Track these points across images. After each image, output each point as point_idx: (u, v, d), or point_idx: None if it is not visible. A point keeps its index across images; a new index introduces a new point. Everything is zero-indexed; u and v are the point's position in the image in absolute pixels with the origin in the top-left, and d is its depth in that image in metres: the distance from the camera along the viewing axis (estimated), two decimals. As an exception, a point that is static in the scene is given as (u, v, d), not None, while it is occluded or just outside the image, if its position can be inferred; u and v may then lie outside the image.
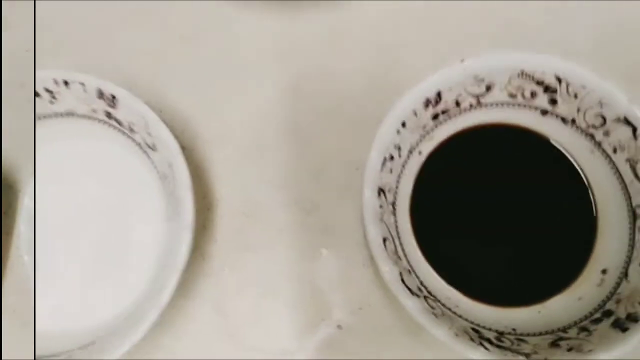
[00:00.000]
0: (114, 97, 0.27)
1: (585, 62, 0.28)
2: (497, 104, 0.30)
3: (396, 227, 0.28)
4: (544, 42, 0.33)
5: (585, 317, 0.27)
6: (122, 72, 0.31)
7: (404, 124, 0.28)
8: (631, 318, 0.25)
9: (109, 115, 0.28)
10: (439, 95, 0.28)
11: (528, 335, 0.26)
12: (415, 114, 0.28)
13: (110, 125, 0.29)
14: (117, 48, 0.34)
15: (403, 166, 0.29)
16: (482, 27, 0.34)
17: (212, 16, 0.34)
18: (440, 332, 0.24)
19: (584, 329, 0.26)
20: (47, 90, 0.28)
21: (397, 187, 0.29)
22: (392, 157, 0.28)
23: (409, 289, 0.25)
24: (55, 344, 0.26)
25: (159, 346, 0.28)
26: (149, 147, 0.28)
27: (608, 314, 0.26)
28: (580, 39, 0.33)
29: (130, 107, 0.27)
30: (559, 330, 0.26)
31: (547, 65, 0.28)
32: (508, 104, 0.30)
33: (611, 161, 0.28)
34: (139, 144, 0.28)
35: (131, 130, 0.28)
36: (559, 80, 0.28)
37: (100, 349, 0.25)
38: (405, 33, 0.33)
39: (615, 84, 0.27)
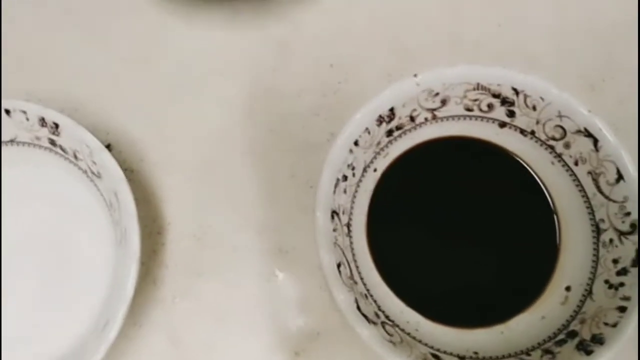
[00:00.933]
0: (56, 125, 0.27)
1: (544, 70, 0.27)
2: (453, 118, 0.29)
3: (352, 249, 0.27)
4: (499, 52, 0.32)
5: (549, 338, 0.26)
6: (69, 96, 0.31)
7: (356, 143, 0.27)
8: (596, 340, 0.24)
9: (52, 142, 0.28)
10: (392, 111, 0.27)
11: (490, 358, 0.26)
12: (368, 131, 0.27)
13: (55, 152, 0.28)
14: (63, 72, 0.33)
15: (358, 185, 0.28)
16: (433, 41, 0.33)
17: (159, 37, 0.33)
18: (398, 362, 0.23)
19: (547, 352, 0.25)
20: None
21: (352, 208, 0.28)
22: (345, 177, 0.27)
23: (365, 317, 0.24)
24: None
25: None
26: (94, 174, 0.27)
27: (572, 334, 0.25)
28: (537, 46, 0.33)
29: (73, 135, 0.26)
30: (522, 353, 0.26)
31: (503, 78, 0.27)
32: (465, 117, 0.29)
33: (573, 173, 0.28)
34: (84, 172, 0.28)
35: (76, 157, 0.27)
36: (516, 92, 0.27)
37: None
38: (354, 49, 0.33)
39: (574, 93, 0.27)
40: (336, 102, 0.31)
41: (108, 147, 0.30)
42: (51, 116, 0.26)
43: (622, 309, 0.24)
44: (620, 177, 0.25)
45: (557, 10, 0.34)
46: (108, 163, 0.26)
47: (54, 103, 0.28)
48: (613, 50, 0.32)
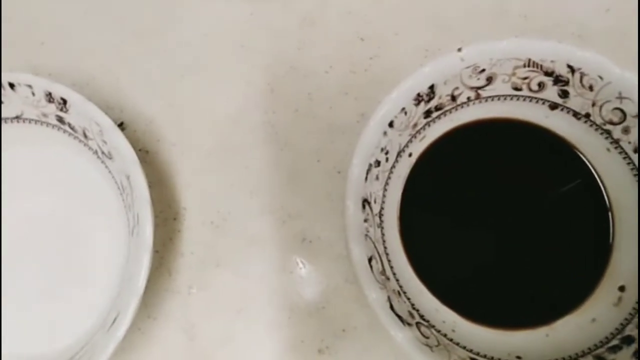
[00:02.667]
0: (64, 100, 0.24)
1: (602, 49, 0.24)
2: (499, 97, 0.26)
3: (383, 241, 0.25)
4: (549, 26, 0.29)
5: (602, 344, 0.23)
6: (79, 71, 0.28)
7: (391, 124, 0.24)
8: (656, 347, 0.22)
9: (60, 120, 0.25)
10: (432, 89, 0.25)
11: (534, 364, 0.23)
12: (405, 112, 0.25)
13: (63, 130, 0.26)
14: (74, 47, 0.30)
15: (391, 171, 0.26)
16: (474, 12, 0.30)
17: (175, 8, 0.31)
18: (435, 366, 0.21)
19: (600, 359, 0.23)
20: (-12, 94, 0.25)
21: (384, 196, 0.25)
22: (378, 163, 0.24)
23: (400, 317, 0.22)
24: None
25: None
26: (105, 155, 0.25)
27: (628, 340, 0.23)
28: (591, 20, 0.29)
29: (82, 112, 0.24)
30: (570, 358, 0.23)
31: (557, 53, 0.24)
32: (512, 97, 0.26)
33: (630, 162, 0.25)
34: (94, 152, 0.25)
35: (85, 136, 0.25)
36: (572, 70, 0.24)
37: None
38: (386, 21, 0.30)
39: (636, 74, 0.24)
40: (367, 80, 0.28)
41: (121, 125, 0.28)
42: (59, 91, 0.24)
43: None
44: (687, 168, 0.23)
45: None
46: (119, 143, 0.23)
47: (63, 78, 0.26)
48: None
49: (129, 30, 0.30)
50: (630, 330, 0.23)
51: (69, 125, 0.25)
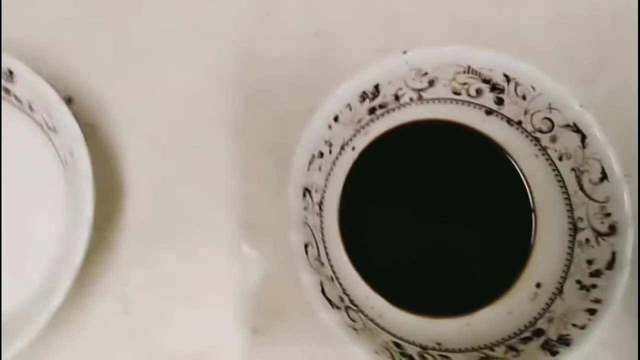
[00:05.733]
0: (11, 71, 0.24)
1: (538, 60, 0.26)
2: (439, 100, 0.27)
3: (321, 229, 0.26)
4: (494, 37, 0.31)
5: (515, 335, 0.25)
6: (31, 43, 0.28)
7: (336, 119, 0.25)
8: (562, 341, 0.23)
9: (7, 90, 0.25)
10: (376, 88, 0.26)
11: (453, 351, 0.25)
12: (350, 107, 0.26)
13: (8, 101, 0.26)
14: (26, 17, 0.30)
15: (334, 163, 0.27)
16: (428, 19, 0.31)
17: None
18: (359, 349, 0.22)
19: (512, 348, 0.25)
20: None
21: (325, 186, 0.26)
22: (321, 154, 0.25)
23: (329, 301, 0.23)
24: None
25: (51, 346, 0.25)
26: (50, 128, 0.25)
27: (538, 333, 0.25)
28: (534, 35, 0.31)
29: (29, 84, 0.24)
30: (485, 347, 0.25)
31: (496, 63, 0.26)
32: (451, 101, 0.27)
33: (556, 168, 0.27)
34: (39, 125, 0.25)
35: (31, 109, 0.25)
36: (508, 79, 0.26)
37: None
38: (343, 17, 0.30)
39: (568, 85, 0.25)
40: (318, 73, 0.29)
41: (69, 100, 0.27)
42: (6, 62, 0.24)
43: (592, 312, 0.23)
44: (604, 176, 0.25)
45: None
46: (65, 117, 0.24)
47: (13, 49, 0.26)
48: (609, 45, 0.31)
49: (88, 7, 0.30)
50: (541, 324, 0.25)
51: (15, 96, 0.25)
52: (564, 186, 0.26)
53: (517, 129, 0.27)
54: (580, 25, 0.32)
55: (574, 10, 0.32)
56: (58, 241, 0.25)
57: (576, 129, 0.25)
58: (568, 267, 0.26)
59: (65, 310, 0.24)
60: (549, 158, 0.27)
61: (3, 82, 0.25)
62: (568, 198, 0.26)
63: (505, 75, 0.26)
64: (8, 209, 0.26)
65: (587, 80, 0.31)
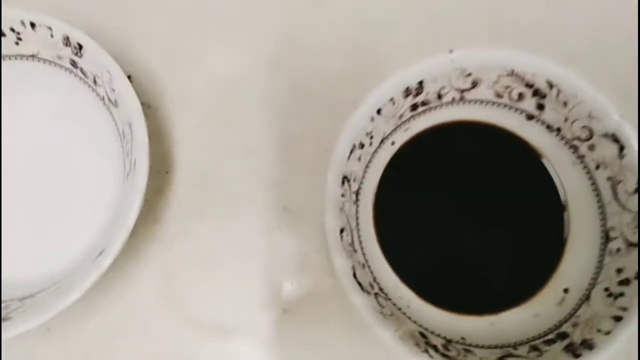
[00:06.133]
0: (80, 46, 0.26)
1: (580, 68, 0.26)
2: (481, 102, 0.28)
3: (357, 217, 0.27)
4: (539, 42, 0.31)
5: (539, 336, 0.26)
6: (96, 20, 0.30)
7: (379, 111, 0.26)
8: (586, 345, 0.24)
9: (74, 64, 0.27)
10: (420, 85, 0.27)
11: (477, 346, 0.26)
12: (393, 102, 0.27)
13: (74, 74, 0.28)
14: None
15: (373, 155, 0.28)
16: (476, 20, 0.32)
17: None
18: (385, 333, 0.23)
19: (535, 349, 0.25)
20: (13, 30, 0.27)
21: (363, 177, 0.27)
22: (362, 145, 0.26)
23: (360, 285, 0.24)
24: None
25: (95, 308, 0.27)
26: (111, 102, 0.27)
27: (563, 336, 0.25)
28: (579, 43, 0.31)
29: (95, 58, 0.26)
30: (509, 346, 0.26)
31: (540, 68, 0.26)
32: (493, 103, 0.28)
33: (592, 177, 0.27)
34: (102, 98, 0.27)
35: (95, 82, 0.27)
36: (551, 85, 0.26)
37: (37, 303, 0.25)
38: (393, 11, 0.31)
39: (608, 96, 0.26)
40: (365, 66, 0.30)
41: (129, 78, 0.29)
42: (77, 36, 0.26)
43: (618, 319, 0.24)
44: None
45: (605, 9, 0.32)
46: (126, 92, 0.25)
47: (80, 24, 0.27)
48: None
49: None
50: (566, 328, 0.25)
51: (81, 70, 0.27)
52: (598, 195, 0.27)
53: (557, 135, 0.28)
54: (625, 37, 0.32)
55: (621, 21, 0.32)
56: (112, 208, 0.27)
57: (615, 139, 0.25)
58: (597, 274, 0.26)
59: (111, 274, 0.26)
60: (586, 166, 0.27)
61: (71, 55, 0.27)
62: (602, 207, 0.27)
63: (548, 81, 0.26)
64: (67, 174, 0.28)
65: (628, 92, 0.31)
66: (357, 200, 0.27)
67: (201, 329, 0.27)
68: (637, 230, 0.25)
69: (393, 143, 0.28)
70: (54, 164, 0.28)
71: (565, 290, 0.26)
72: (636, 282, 0.24)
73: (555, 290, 0.27)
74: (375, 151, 0.28)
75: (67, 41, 0.26)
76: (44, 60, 0.28)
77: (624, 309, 0.24)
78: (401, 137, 0.28)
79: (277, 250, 0.28)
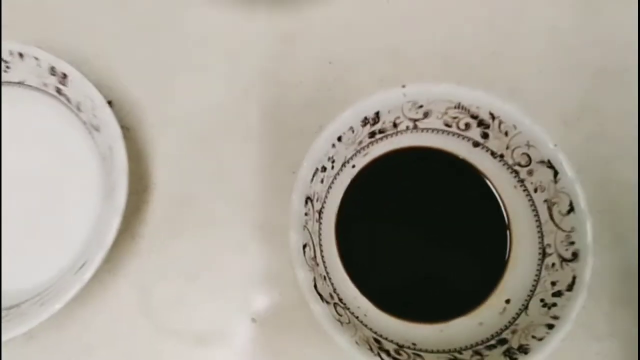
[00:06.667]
0: (65, 75, 0.28)
1: (524, 100, 0.30)
2: (432, 130, 0.31)
3: (319, 234, 0.29)
4: (487, 77, 0.34)
5: (482, 342, 0.28)
6: (78, 49, 0.32)
7: (339, 138, 0.29)
8: (522, 349, 0.27)
9: (59, 91, 0.29)
10: (377, 115, 0.30)
11: (425, 351, 0.28)
12: (352, 130, 0.29)
13: (59, 100, 0.30)
14: (75, 25, 0.34)
15: (335, 177, 0.30)
16: (426, 57, 0.35)
17: (174, 8, 0.35)
18: (342, 339, 0.26)
19: (477, 353, 0.28)
20: (2, 60, 0.29)
21: (325, 197, 0.30)
22: (324, 169, 0.29)
23: (320, 295, 0.27)
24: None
25: (76, 318, 0.29)
26: (93, 127, 0.29)
27: (502, 342, 0.28)
28: (523, 78, 0.35)
29: (80, 87, 0.28)
30: (455, 350, 0.28)
31: (483, 102, 0.29)
32: (443, 132, 0.31)
33: (531, 199, 0.30)
34: (84, 123, 0.29)
35: (78, 109, 0.29)
36: (493, 117, 0.29)
37: (20, 312, 0.26)
38: (352, 50, 0.35)
39: (549, 126, 0.29)
40: (328, 97, 0.33)
41: (109, 103, 0.31)
42: (62, 67, 0.28)
43: (550, 326, 0.26)
44: (571, 209, 0.28)
45: (549, 47, 0.36)
46: (108, 118, 0.28)
47: (63, 54, 0.30)
48: (591, 93, 0.35)
49: (129, 20, 0.35)
50: (506, 334, 0.28)
51: (66, 97, 0.29)
52: (537, 215, 0.30)
53: (500, 161, 0.31)
54: (567, 74, 0.35)
55: (563, 61, 0.36)
56: (92, 225, 0.29)
57: (550, 165, 0.28)
58: (535, 287, 0.29)
59: (91, 286, 0.28)
60: (526, 189, 0.30)
61: (57, 84, 0.29)
62: (540, 226, 0.30)
63: (491, 114, 0.29)
64: (51, 193, 0.30)
65: (567, 123, 0.34)
66: (319, 218, 0.30)
67: (177, 339, 0.29)
68: (569, 247, 0.28)
69: (353, 166, 0.31)
70: (39, 183, 0.30)
71: (507, 301, 0.29)
72: (568, 293, 0.27)
73: (498, 301, 0.29)
74: (337, 174, 0.30)
75: (53, 71, 0.28)
76: (31, 87, 0.30)
77: (556, 317, 0.27)
78: (361, 161, 0.31)
79: (248, 264, 0.31)
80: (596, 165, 0.34)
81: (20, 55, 0.29)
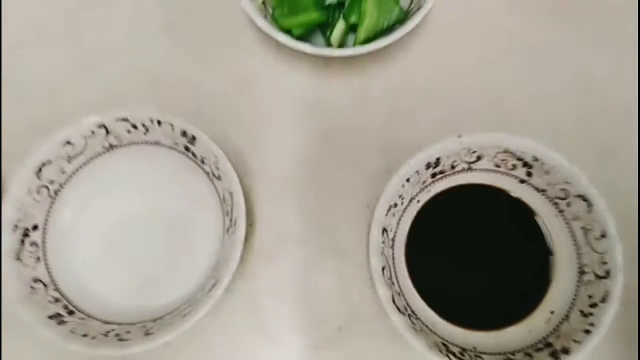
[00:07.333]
0: (194, 137, 0.36)
1: (563, 141, 0.36)
2: (484, 170, 0.37)
3: (393, 258, 0.36)
4: (528, 122, 0.41)
5: (531, 346, 0.34)
6: (197, 113, 0.41)
7: (408, 180, 0.36)
8: (565, 351, 0.32)
9: (187, 148, 0.38)
10: (438, 160, 0.36)
11: (484, 353, 0.34)
12: (418, 173, 0.36)
13: (187, 156, 0.38)
14: (191, 93, 0.43)
15: (403, 212, 0.37)
16: (476, 106, 0.42)
17: (265, 73, 0.44)
18: (417, 344, 0.32)
19: (527, 355, 0.34)
20: (144, 125, 0.37)
21: (397, 228, 0.37)
22: (395, 205, 0.36)
23: (398, 308, 0.33)
24: (131, 317, 0.36)
25: (198, 325, 0.37)
26: (215, 177, 0.37)
27: (548, 345, 0.34)
28: (561, 121, 0.41)
29: (205, 146, 0.36)
30: (508, 353, 0.34)
31: (527, 147, 0.35)
32: (493, 171, 0.37)
33: (570, 226, 0.36)
34: (207, 173, 0.38)
35: (202, 162, 0.37)
36: (536, 159, 0.35)
37: (165, 323, 0.34)
38: (415, 103, 0.42)
39: (584, 163, 0.34)
40: (398, 142, 0.40)
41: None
42: (191, 130, 0.36)
43: (587, 332, 0.32)
44: (603, 235, 0.33)
45: (582, 93, 0.42)
46: (228, 170, 0.35)
47: (183, 116, 0.38)
48: (618, 134, 0.41)
49: (230, 88, 0.43)
50: (551, 339, 0.34)
51: (192, 153, 0.38)
52: (575, 240, 0.35)
53: (542, 195, 0.37)
54: (598, 116, 0.41)
55: (596, 104, 0.42)
56: (216, 253, 0.37)
57: (584, 199, 0.34)
58: (575, 299, 0.34)
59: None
60: (565, 218, 0.36)
61: (186, 143, 0.37)
62: (578, 249, 0.35)
63: (534, 157, 0.35)
64: (185, 228, 0.38)
65: (601, 160, 0.40)
66: (393, 245, 0.37)
67: (277, 345, 0.37)
68: (602, 266, 0.34)
69: (418, 201, 0.38)
70: (174, 221, 0.38)
71: (552, 312, 0.35)
72: (602, 304, 0.33)
73: (544, 312, 0.35)
74: (405, 208, 0.37)
75: (184, 133, 0.37)
76: (164, 146, 0.38)
77: (592, 324, 0.32)
78: (424, 197, 0.38)
79: (331, 283, 0.38)
80: (622, 196, 0.39)
81: (159, 122, 0.37)
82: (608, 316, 0.32)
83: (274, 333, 0.38)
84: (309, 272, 0.39)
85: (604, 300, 0.33)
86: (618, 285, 0.33)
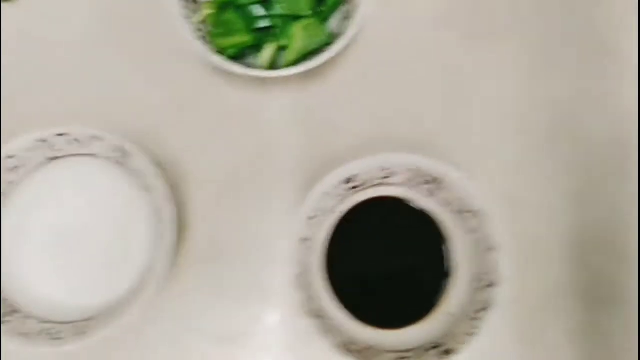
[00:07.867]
0: (127, 151, 0.39)
1: (475, 158, 0.41)
2: (396, 185, 0.41)
3: (311, 265, 0.40)
4: (446, 140, 0.46)
5: (429, 343, 0.39)
6: (137, 126, 0.44)
7: (327, 193, 0.40)
8: (454, 350, 0.37)
9: (121, 161, 0.40)
10: (355, 175, 0.40)
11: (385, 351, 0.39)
12: (337, 187, 0.40)
13: (121, 168, 0.41)
14: (131, 107, 0.46)
15: (322, 222, 0.41)
16: (400, 122, 0.46)
17: (203, 88, 0.46)
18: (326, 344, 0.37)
19: (426, 350, 0.39)
20: (81, 140, 0.40)
21: (316, 236, 0.41)
22: (315, 216, 0.40)
23: (312, 311, 0.38)
24: (67, 316, 0.39)
25: (142, 328, 0.41)
26: (147, 189, 0.40)
27: (438, 345, 0.38)
28: (476, 140, 0.45)
29: (137, 160, 0.39)
30: (408, 350, 0.39)
31: (432, 166, 0.39)
32: (405, 185, 0.41)
33: (468, 238, 0.40)
34: (140, 185, 0.40)
35: (136, 174, 0.40)
36: (440, 177, 0.39)
37: (101, 322, 0.38)
38: (343, 120, 0.46)
39: (489, 180, 0.40)
40: (324, 156, 0.44)
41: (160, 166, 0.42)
42: (125, 145, 0.39)
43: (470, 334, 0.37)
44: (489, 248, 0.38)
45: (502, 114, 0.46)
46: (159, 183, 0.38)
47: (123, 129, 0.41)
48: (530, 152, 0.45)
49: (173, 101, 0.46)
50: (443, 340, 0.38)
51: (126, 166, 0.40)
52: (472, 250, 0.40)
53: (446, 208, 0.41)
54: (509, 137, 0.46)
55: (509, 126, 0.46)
56: (150, 258, 0.40)
57: (475, 214, 0.39)
58: (469, 305, 0.39)
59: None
60: (464, 230, 0.40)
61: (120, 157, 0.40)
62: (474, 258, 0.40)
63: (439, 175, 0.39)
64: (120, 236, 0.41)
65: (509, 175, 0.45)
66: (310, 253, 0.41)
67: (202, 337, 0.41)
68: (488, 276, 0.38)
69: (336, 212, 0.41)
70: (109, 228, 0.41)
71: (449, 314, 0.40)
72: (484, 311, 0.37)
73: (443, 314, 0.40)
74: (324, 218, 0.41)
75: (118, 148, 0.39)
76: (101, 157, 0.41)
77: (476, 327, 0.37)
78: (342, 208, 0.42)
79: (257, 287, 0.42)
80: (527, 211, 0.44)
81: (96, 137, 0.40)
82: (486, 322, 0.37)
83: (199, 327, 0.42)
84: (239, 273, 0.42)
85: (486, 307, 0.37)
86: (500, 294, 0.37)
